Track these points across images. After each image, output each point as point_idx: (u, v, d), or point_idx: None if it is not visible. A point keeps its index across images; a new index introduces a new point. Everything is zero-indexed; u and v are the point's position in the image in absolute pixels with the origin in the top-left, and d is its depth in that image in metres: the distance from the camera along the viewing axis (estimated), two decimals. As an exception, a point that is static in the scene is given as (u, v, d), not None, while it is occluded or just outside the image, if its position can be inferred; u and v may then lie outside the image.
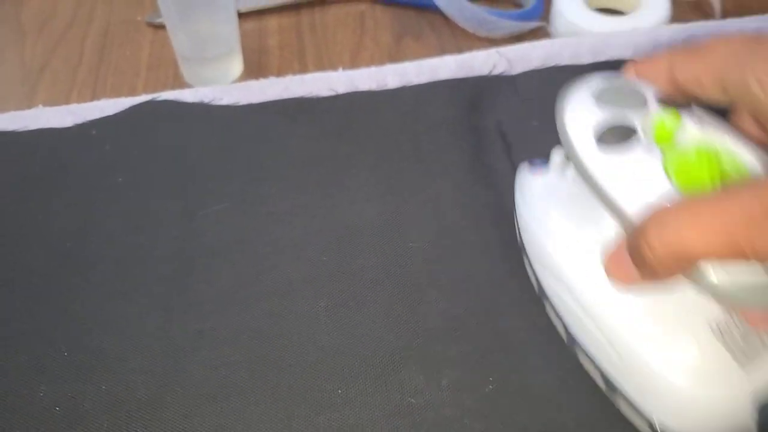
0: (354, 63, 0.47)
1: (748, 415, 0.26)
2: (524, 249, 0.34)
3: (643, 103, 0.27)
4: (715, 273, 0.23)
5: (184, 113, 0.43)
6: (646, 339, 0.27)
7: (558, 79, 0.44)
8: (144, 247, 0.37)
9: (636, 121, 0.27)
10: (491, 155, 0.41)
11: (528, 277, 0.34)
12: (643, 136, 0.26)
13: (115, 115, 0.43)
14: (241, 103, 0.43)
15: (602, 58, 0.44)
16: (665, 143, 0.26)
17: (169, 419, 0.31)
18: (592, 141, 0.27)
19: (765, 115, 0.25)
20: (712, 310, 0.27)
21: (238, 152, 0.41)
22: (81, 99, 0.46)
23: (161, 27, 0.50)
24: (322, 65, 0.47)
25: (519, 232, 0.34)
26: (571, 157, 0.28)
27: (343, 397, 0.31)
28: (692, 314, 0.27)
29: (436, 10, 0.50)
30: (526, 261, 0.34)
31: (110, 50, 0.49)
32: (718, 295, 0.23)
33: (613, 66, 0.43)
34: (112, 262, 0.36)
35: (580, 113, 0.28)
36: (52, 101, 0.45)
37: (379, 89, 0.44)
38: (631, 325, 0.28)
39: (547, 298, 0.32)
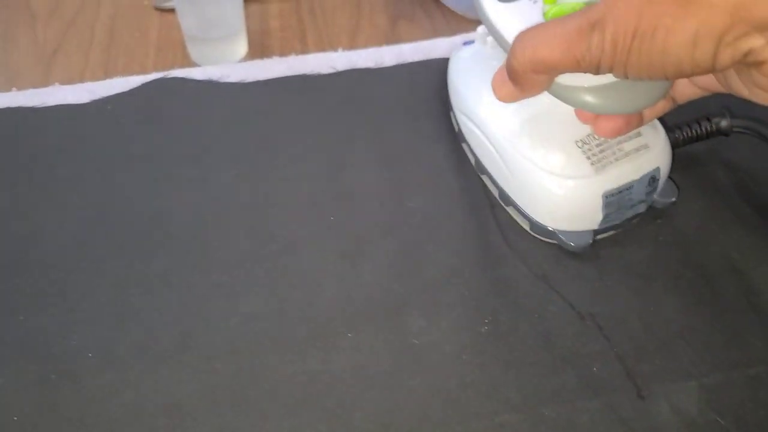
0: (352, 44, 0.50)
1: (599, 204, 0.35)
2: (451, 105, 0.42)
3: None
4: (561, 78, 0.29)
5: (194, 89, 0.46)
6: (527, 154, 0.36)
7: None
8: (163, 211, 0.40)
9: None
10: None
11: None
12: None
13: (129, 91, 0.46)
14: (247, 81, 0.46)
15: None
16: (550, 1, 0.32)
17: (192, 363, 0.34)
18: None
19: None
20: (579, 129, 0.35)
21: (247, 125, 0.44)
22: (94, 78, 0.48)
23: (168, 11, 0.53)
24: (322, 46, 0.50)
25: (449, 96, 0.42)
26: (478, 10, 0.34)
27: (353, 339, 0.34)
28: (562, 132, 0.35)
29: (427, -5, 0.53)
30: (451, 115, 0.42)
31: (120, 33, 0.52)
32: (564, 95, 0.30)
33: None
34: (134, 226, 0.39)
35: None
36: (66, 81, 0.48)
37: (377, 67, 0.47)
38: (517, 145, 0.36)
39: (464, 140, 0.41)
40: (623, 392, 0.32)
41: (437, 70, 0.46)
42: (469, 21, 0.52)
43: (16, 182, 0.41)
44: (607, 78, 0.28)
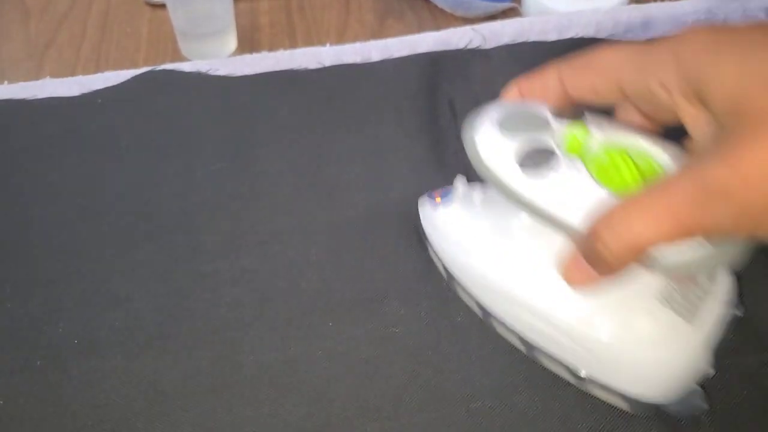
0: (340, 41, 0.51)
1: (705, 362, 0.30)
2: (454, 278, 0.35)
3: (544, 122, 0.29)
4: (667, 255, 0.25)
5: (182, 82, 0.46)
6: (607, 328, 0.30)
7: (527, 53, 0.48)
8: (150, 202, 0.40)
9: (547, 140, 0.29)
10: (465, 120, 0.45)
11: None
12: (559, 153, 0.28)
13: (119, 84, 0.46)
14: (235, 75, 0.47)
15: (567, 35, 0.48)
16: (578, 153, 0.28)
17: (175, 350, 0.34)
18: (516, 169, 0.28)
19: (663, 108, 0.28)
20: (648, 283, 0.29)
21: (234, 118, 0.45)
22: (85, 73, 0.49)
23: (159, 6, 0.54)
24: (311, 43, 0.51)
25: (442, 266, 0.36)
26: (500, 189, 0.29)
27: (334, 329, 0.35)
28: (636, 292, 0.29)
29: (416, -7, 0.54)
30: (459, 289, 0.35)
31: (111, 28, 0.52)
32: (671, 271, 0.27)
33: (578, 44, 0.48)
34: (120, 215, 0.40)
35: (494, 146, 0.29)
36: (58, 75, 0.48)
37: (363, 62, 0.48)
38: (589, 320, 0.30)
39: (494, 317, 0.34)
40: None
41: (423, 64, 0.47)
42: (456, 18, 0.53)
43: (5, 172, 0.42)
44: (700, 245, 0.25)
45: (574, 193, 0.27)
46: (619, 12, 0.49)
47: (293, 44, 0.51)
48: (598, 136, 0.29)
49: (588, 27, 0.48)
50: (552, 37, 0.48)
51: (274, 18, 0.53)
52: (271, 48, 0.51)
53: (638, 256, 0.25)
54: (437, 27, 0.52)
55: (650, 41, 0.28)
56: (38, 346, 0.34)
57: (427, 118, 0.45)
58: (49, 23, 0.53)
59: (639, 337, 0.30)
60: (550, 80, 0.30)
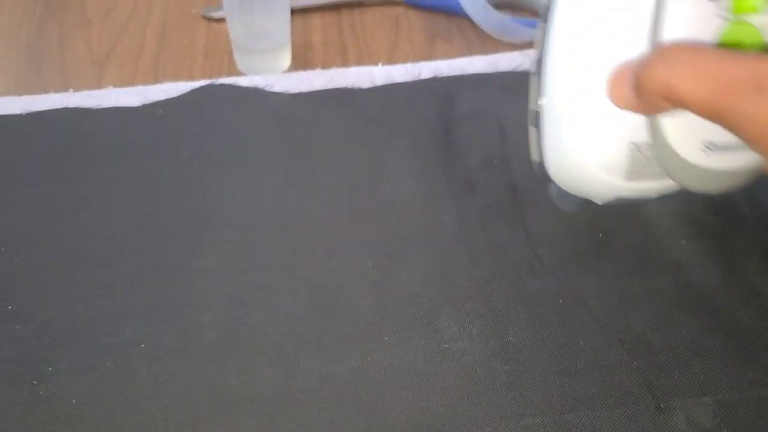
0: (391, 60, 0.53)
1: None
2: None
3: None
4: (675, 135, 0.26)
5: (241, 97, 0.48)
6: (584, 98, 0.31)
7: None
8: (211, 213, 0.42)
9: None
10: (513, 142, 0.46)
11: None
12: None
13: (179, 96, 0.48)
14: (291, 92, 0.49)
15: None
16: (739, 12, 0.26)
17: (236, 358, 0.36)
18: None
19: None
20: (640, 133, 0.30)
21: (289, 133, 0.46)
22: (144, 82, 0.51)
23: (215, 20, 0.55)
24: (362, 61, 0.53)
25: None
26: None
27: (388, 342, 0.37)
28: (623, 130, 0.31)
29: (464, 16, 0.55)
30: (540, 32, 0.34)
31: (169, 39, 0.54)
32: (661, 156, 0.28)
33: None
34: (183, 225, 0.41)
35: None
36: (118, 83, 0.50)
37: (414, 80, 0.49)
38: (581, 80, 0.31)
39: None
40: (642, 403, 0.34)
41: (473, 85, 0.49)
42: (503, 44, 0.54)
43: (71, 179, 0.43)
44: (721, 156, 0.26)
45: (694, 21, 0.26)
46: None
47: (345, 62, 0.53)
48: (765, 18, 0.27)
49: (634, 57, 0.49)
50: (599, 65, 0.50)
51: (326, 35, 0.55)
52: (324, 65, 0.52)
53: (668, 101, 0.25)
54: (485, 50, 0.54)
55: None
56: (107, 348, 0.36)
57: (477, 138, 0.46)
58: (110, 33, 0.55)
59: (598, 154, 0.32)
60: None
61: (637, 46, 0.28)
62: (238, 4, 0.47)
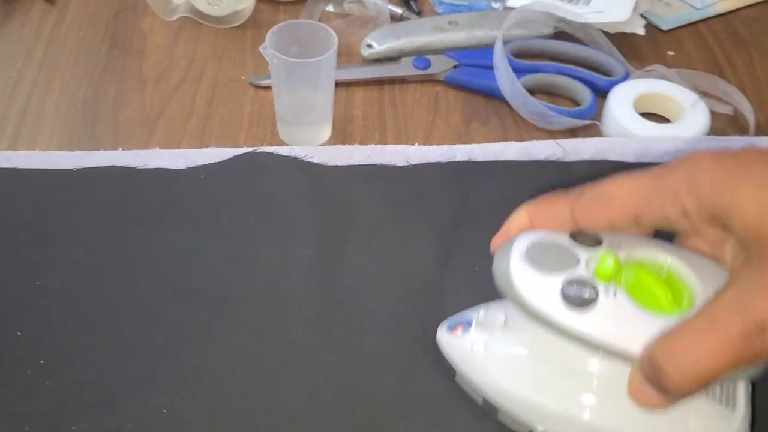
0: (427, 140, 0.54)
1: None
2: (495, 406, 0.36)
3: (571, 253, 0.31)
4: None
5: (280, 166, 0.50)
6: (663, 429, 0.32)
7: (606, 171, 0.50)
8: (242, 283, 0.43)
9: (580, 271, 0.31)
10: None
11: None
12: (595, 283, 0.30)
13: (221, 162, 0.50)
14: (329, 164, 0.50)
15: (645, 159, 0.50)
16: (611, 279, 0.31)
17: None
18: (561, 306, 0.30)
19: (679, 228, 0.31)
20: None
21: (325, 207, 0.48)
22: (190, 145, 0.53)
23: (262, 88, 0.58)
24: (399, 137, 0.54)
25: (482, 396, 0.37)
26: (546, 325, 0.31)
27: (404, 429, 0.37)
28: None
29: (502, 99, 0.57)
30: (501, 416, 0.36)
31: (217, 104, 0.57)
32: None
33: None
34: (213, 294, 0.43)
35: (533, 284, 0.31)
36: (166, 144, 0.53)
37: (448, 161, 0.51)
38: (646, 426, 0.32)
39: None
40: None
41: (505, 171, 0.50)
42: (538, 129, 0.55)
43: (116, 241, 0.45)
44: None
45: (622, 320, 0.30)
46: (700, 142, 0.51)
47: (383, 138, 0.54)
48: (621, 256, 0.31)
49: (667, 154, 0.50)
50: (630, 159, 0.50)
51: (366, 110, 0.57)
52: (362, 140, 0.54)
53: (708, 384, 0.27)
54: (520, 135, 0.55)
55: (658, 169, 0.30)
56: (132, 413, 0.37)
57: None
58: (162, 94, 0.57)
59: None
60: (560, 211, 0.32)
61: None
62: (286, 78, 0.49)
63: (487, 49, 0.59)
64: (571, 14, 0.61)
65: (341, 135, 0.54)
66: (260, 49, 0.50)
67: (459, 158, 0.51)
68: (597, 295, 0.30)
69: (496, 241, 0.35)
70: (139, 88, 0.58)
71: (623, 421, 0.32)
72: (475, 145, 0.52)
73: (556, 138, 0.54)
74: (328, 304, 0.42)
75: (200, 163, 0.50)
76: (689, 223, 0.29)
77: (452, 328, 0.38)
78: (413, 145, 0.52)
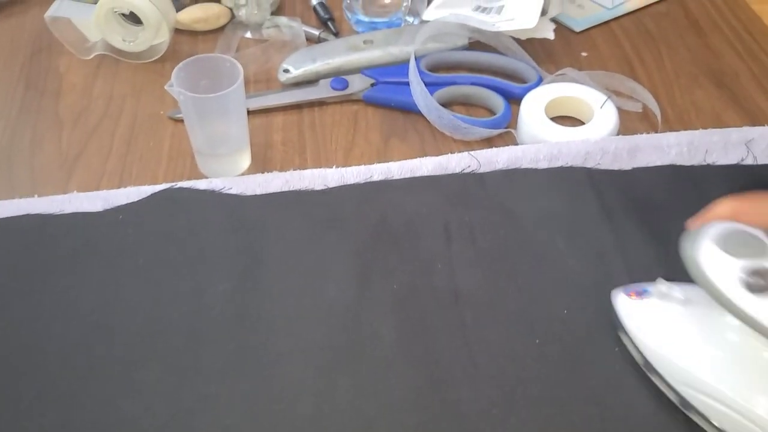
0: (347, 160, 0.55)
1: None
2: (652, 366, 0.39)
3: (763, 244, 0.34)
4: None
5: (197, 200, 0.50)
6: None
7: (519, 179, 0.51)
8: (161, 320, 0.43)
9: (766, 260, 0.33)
10: (459, 244, 0.48)
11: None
12: None
13: (138, 201, 0.50)
14: (247, 194, 0.51)
15: (557, 163, 0.51)
16: None
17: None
18: (741, 288, 0.33)
19: None
20: None
21: (243, 238, 0.48)
22: (109, 186, 0.53)
23: (181, 121, 0.58)
24: (319, 161, 0.55)
25: (638, 353, 0.40)
26: (723, 304, 0.33)
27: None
28: None
29: (420, 113, 0.58)
30: (655, 378, 0.39)
31: (136, 141, 0.57)
32: None
33: (567, 172, 0.51)
34: (131, 335, 0.43)
35: (718, 264, 0.34)
36: (84, 187, 0.52)
37: (365, 182, 0.51)
38: None
39: (692, 408, 0.37)
40: None
41: (421, 188, 0.51)
42: (455, 140, 0.56)
43: (29, 290, 0.45)
44: None
45: None
46: (608, 142, 0.52)
47: (303, 161, 0.55)
48: None
49: (577, 157, 0.52)
50: (543, 165, 0.52)
51: (286, 135, 0.57)
52: (282, 165, 0.54)
53: None
54: (438, 148, 0.56)
55: None
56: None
57: (422, 242, 0.48)
58: (80, 135, 0.57)
59: None
60: (765, 208, 0.35)
61: None
62: (195, 113, 0.50)
63: (403, 65, 0.60)
64: (484, 24, 0.62)
65: (261, 162, 0.55)
66: (166, 87, 0.50)
67: (376, 178, 0.52)
68: None
69: (693, 223, 0.37)
70: (55, 129, 0.58)
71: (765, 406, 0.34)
72: (391, 164, 0.52)
73: (474, 148, 0.55)
74: (243, 334, 0.43)
75: (118, 204, 0.50)
76: None
77: (628, 294, 0.41)
78: (331, 167, 0.53)
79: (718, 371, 0.36)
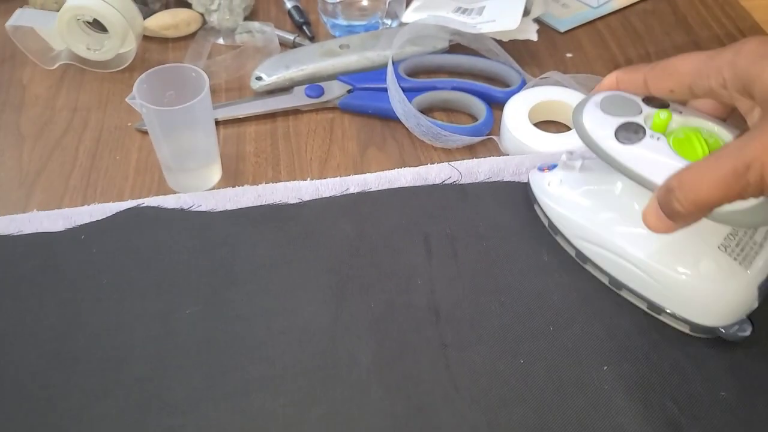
0: (322, 171, 0.52)
1: (754, 296, 0.39)
2: (557, 229, 0.45)
3: (637, 106, 0.39)
4: (724, 207, 0.34)
5: (164, 219, 0.47)
6: (680, 269, 0.39)
7: (501, 191, 0.49)
8: (124, 346, 0.41)
9: (638, 119, 0.39)
10: (439, 258, 0.45)
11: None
12: (646, 128, 0.38)
13: (102, 220, 0.48)
14: (216, 210, 0.48)
15: (541, 173, 0.49)
16: (662, 131, 0.38)
17: None
18: (613, 140, 0.38)
19: (725, 102, 0.38)
20: (716, 235, 0.39)
21: (211, 256, 0.45)
22: (72, 203, 0.50)
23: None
24: (293, 173, 0.52)
25: (547, 219, 0.46)
26: (600, 155, 0.39)
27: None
28: (704, 242, 0.39)
29: (398, 120, 0.55)
30: (559, 238, 0.45)
31: (102, 155, 0.54)
32: (727, 221, 0.36)
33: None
34: (94, 361, 0.40)
35: (597, 122, 0.39)
36: (46, 205, 0.50)
37: (341, 194, 0.49)
38: (666, 262, 0.40)
39: (588, 260, 0.43)
40: None
41: (400, 200, 0.48)
42: (435, 148, 0.54)
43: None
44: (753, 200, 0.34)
45: (657, 159, 0.37)
46: (587, 153, 0.50)
47: (276, 173, 0.52)
48: (677, 119, 0.39)
49: (561, 165, 0.49)
50: (525, 177, 0.49)
51: (259, 146, 0.55)
52: (255, 178, 0.52)
53: (703, 212, 0.34)
54: (417, 156, 0.54)
55: (716, 49, 0.36)
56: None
57: (401, 257, 0.45)
58: (42, 148, 0.55)
59: (702, 274, 0.39)
60: (638, 77, 0.39)
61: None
62: (160, 126, 0.47)
63: (381, 70, 0.58)
64: (465, 26, 0.59)
65: (233, 175, 0.52)
66: (127, 99, 0.48)
67: (353, 190, 0.49)
68: (644, 138, 0.38)
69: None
70: (17, 145, 0.55)
71: (646, 249, 0.40)
72: (368, 175, 0.50)
73: (455, 156, 0.53)
74: (213, 360, 0.40)
75: (81, 223, 0.48)
76: (727, 93, 0.35)
77: (541, 169, 0.47)
78: (306, 180, 0.50)
79: (606, 224, 0.42)
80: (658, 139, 0.37)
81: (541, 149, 0.51)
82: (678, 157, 0.37)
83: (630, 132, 0.38)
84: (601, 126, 0.39)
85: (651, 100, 0.39)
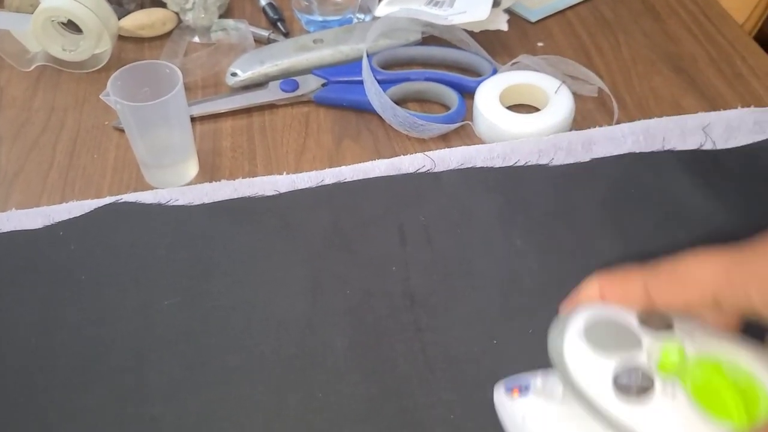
0: (298, 164, 0.53)
1: None
2: None
3: (634, 336, 0.29)
4: None
5: (141, 214, 0.48)
6: None
7: (474, 177, 0.50)
8: (103, 340, 0.42)
9: (640, 358, 0.28)
10: (414, 245, 0.46)
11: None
12: (654, 374, 0.28)
13: (81, 216, 0.48)
14: (194, 204, 0.49)
15: (511, 161, 0.50)
16: (674, 372, 0.28)
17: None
18: (611, 393, 0.28)
19: (758, 313, 0.28)
20: None
21: (189, 250, 0.46)
22: (51, 201, 0.51)
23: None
24: (269, 167, 0.53)
25: None
26: (593, 411, 0.29)
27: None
28: None
29: (373, 112, 0.56)
30: None
31: (79, 154, 0.55)
32: None
33: (521, 172, 0.49)
34: (73, 356, 0.41)
35: (586, 364, 0.29)
36: (24, 204, 0.50)
37: (317, 185, 0.50)
38: None
39: None
40: None
41: (374, 189, 0.49)
42: (410, 139, 0.55)
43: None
44: None
45: (677, 421, 0.27)
46: (560, 138, 0.51)
47: (253, 167, 0.53)
48: (690, 349, 0.28)
49: (531, 154, 0.50)
50: (497, 163, 0.50)
51: (235, 141, 0.55)
52: (231, 172, 0.53)
53: None
54: (392, 147, 0.54)
55: (742, 247, 0.28)
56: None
57: (376, 245, 0.46)
58: (20, 149, 0.55)
59: None
60: (634, 287, 0.30)
61: None
62: (135, 123, 0.48)
63: (355, 63, 0.59)
64: (436, 18, 0.60)
65: (209, 170, 0.53)
66: (101, 96, 0.48)
67: (328, 181, 0.50)
68: (654, 389, 0.28)
69: (563, 308, 0.32)
70: (-6, 146, 0.55)
71: None
72: (343, 168, 0.51)
73: (429, 146, 0.54)
74: (193, 350, 0.41)
75: (59, 220, 0.48)
76: None
77: (510, 390, 0.35)
78: (282, 174, 0.51)
79: None
80: (673, 390, 0.27)
81: (514, 130, 0.52)
82: (704, 417, 0.27)
83: (633, 381, 0.28)
84: (591, 372, 0.29)
85: (649, 320, 0.30)
